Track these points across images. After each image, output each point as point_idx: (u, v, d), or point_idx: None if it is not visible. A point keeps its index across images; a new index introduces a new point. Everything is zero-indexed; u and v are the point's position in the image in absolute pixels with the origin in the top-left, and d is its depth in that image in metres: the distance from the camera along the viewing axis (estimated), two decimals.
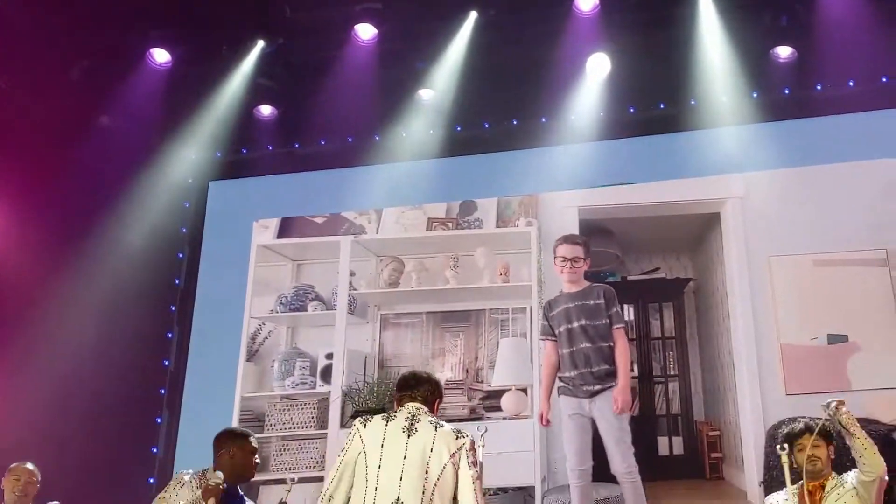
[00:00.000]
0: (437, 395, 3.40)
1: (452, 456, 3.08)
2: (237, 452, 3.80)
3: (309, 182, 7.40)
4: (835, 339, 6.39)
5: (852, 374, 6.31)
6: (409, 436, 3.09)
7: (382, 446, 3.05)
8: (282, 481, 6.52)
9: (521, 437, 6.45)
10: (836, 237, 6.52)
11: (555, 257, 6.04)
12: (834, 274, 6.50)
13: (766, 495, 6.13)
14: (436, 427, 3.14)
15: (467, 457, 3.11)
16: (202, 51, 7.07)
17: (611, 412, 5.76)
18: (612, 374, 5.81)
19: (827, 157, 6.59)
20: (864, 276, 6.45)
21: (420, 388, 3.33)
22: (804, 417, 5.96)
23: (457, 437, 3.14)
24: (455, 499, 3.12)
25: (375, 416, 3.21)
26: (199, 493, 3.67)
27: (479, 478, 3.18)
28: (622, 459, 5.69)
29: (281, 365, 6.94)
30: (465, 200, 7.18)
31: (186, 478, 3.78)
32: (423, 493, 3.00)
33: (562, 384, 5.86)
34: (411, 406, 3.25)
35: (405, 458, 3.02)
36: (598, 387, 5.76)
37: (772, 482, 6.18)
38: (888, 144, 6.48)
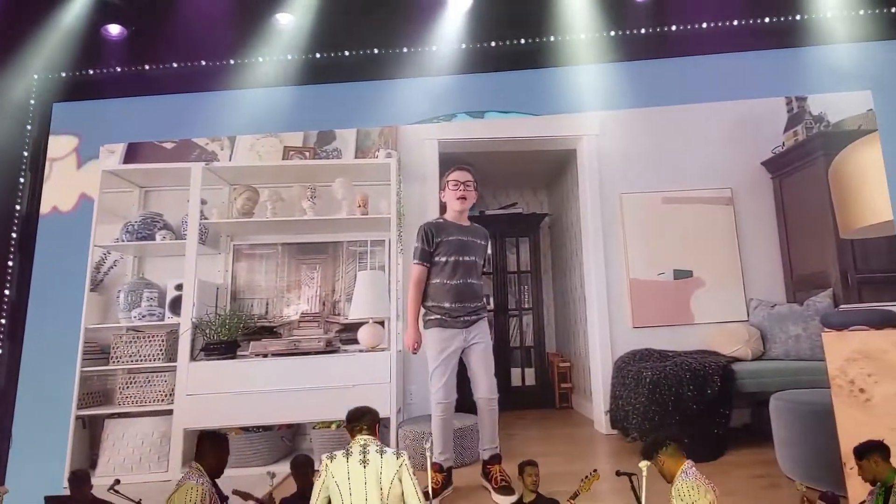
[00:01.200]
0: (376, 421, 4.38)
1: (396, 472, 4.16)
2: (223, 455, 4.51)
3: (159, 106, 7.02)
4: (680, 274, 6.64)
5: (695, 308, 6.59)
6: (364, 467, 4.15)
7: (349, 479, 4.12)
8: (126, 415, 6.44)
9: (377, 370, 6.46)
10: (684, 176, 6.75)
11: (447, 183, 5.94)
12: (681, 211, 6.73)
13: (611, 424, 6.46)
14: (381, 454, 4.21)
15: (406, 469, 4.20)
16: None
17: (486, 339, 5.85)
18: (483, 307, 5.88)
19: (679, 98, 6.75)
20: (709, 213, 6.71)
21: (364, 419, 4.31)
22: (647, 361, 6.30)
23: (397, 458, 4.22)
24: (404, 500, 4.21)
25: (338, 455, 4.21)
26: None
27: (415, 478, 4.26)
28: (489, 386, 5.78)
29: (127, 296, 6.71)
30: (323, 130, 7.04)
31: (192, 482, 4.26)
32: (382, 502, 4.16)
33: (436, 316, 5.77)
34: (360, 438, 4.26)
35: (366, 483, 4.12)
36: (474, 316, 5.80)
37: (617, 412, 6.44)
38: (736, 86, 6.69)
